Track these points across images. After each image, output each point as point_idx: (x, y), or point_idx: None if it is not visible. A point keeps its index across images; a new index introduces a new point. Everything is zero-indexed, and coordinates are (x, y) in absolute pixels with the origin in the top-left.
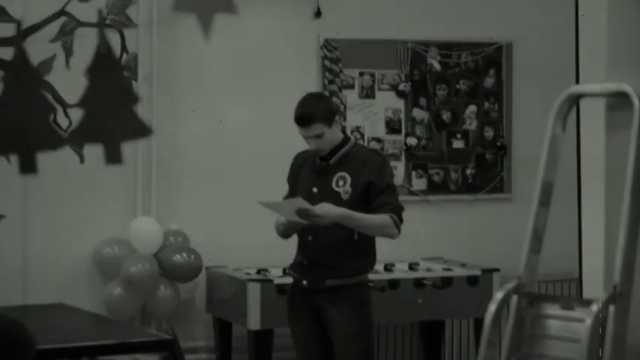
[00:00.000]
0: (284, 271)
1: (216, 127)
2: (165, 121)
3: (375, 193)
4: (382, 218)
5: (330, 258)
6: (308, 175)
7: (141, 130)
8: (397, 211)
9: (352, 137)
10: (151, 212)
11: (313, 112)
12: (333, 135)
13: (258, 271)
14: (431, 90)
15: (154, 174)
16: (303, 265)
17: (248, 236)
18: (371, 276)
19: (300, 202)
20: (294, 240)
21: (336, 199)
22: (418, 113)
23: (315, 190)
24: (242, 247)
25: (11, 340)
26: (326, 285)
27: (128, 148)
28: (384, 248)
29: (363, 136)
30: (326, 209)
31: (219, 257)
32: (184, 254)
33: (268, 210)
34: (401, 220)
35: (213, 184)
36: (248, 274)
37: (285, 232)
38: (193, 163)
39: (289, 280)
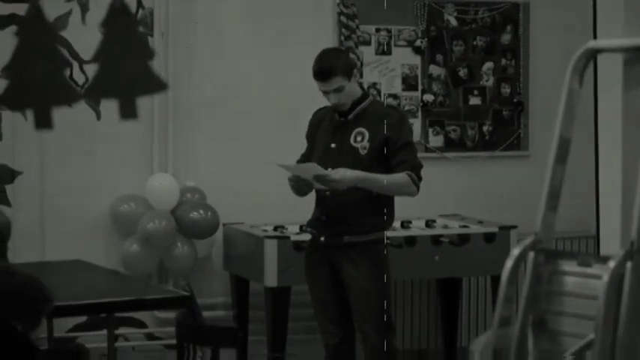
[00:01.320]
0: (301, 227)
1: (231, 83)
2: (181, 78)
3: (394, 150)
4: (401, 178)
5: (347, 214)
6: (326, 130)
7: (156, 86)
8: (416, 168)
9: (371, 94)
10: (168, 169)
11: (332, 65)
12: (352, 89)
13: (275, 228)
14: (447, 46)
15: (170, 130)
16: (321, 220)
17: (265, 193)
18: (388, 233)
19: (315, 168)
20: (311, 197)
21: (354, 155)
22: (435, 70)
23: (333, 145)
24: (259, 204)
25: (28, 297)
26: (343, 241)
27: (144, 104)
28: (401, 205)
29: (379, 92)
30: (342, 173)
31: (236, 214)
32: (201, 211)
33: (283, 169)
34: (419, 178)
35: (230, 140)
36: (265, 230)
37: (297, 190)
38: (210, 120)
39: (306, 236)
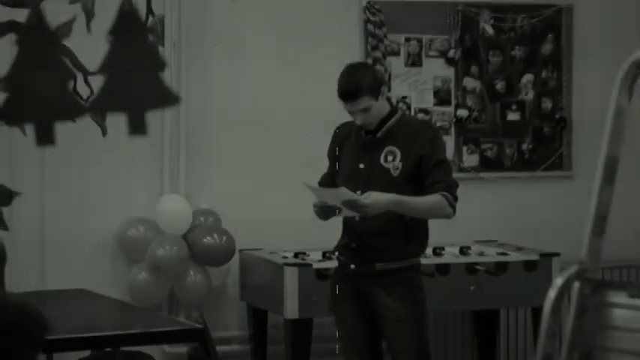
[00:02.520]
0: (324, 254)
1: (250, 97)
2: (194, 90)
3: (427, 169)
4: (436, 199)
5: (379, 240)
6: (353, 149)
7: (168, 99)
8: (451, 189)
9: (400, 108)
10: (180, 189)
11: (358, 84)
12: (380, 107)
13: (296, 255)
14: (483, 57)
15: (182, 147)
16: (351, 247)
17: (285, 216)
18: (422, 260)
19: (345, 193)
20: (335, 221)
21: (386, 176)
22: (469, 82)
23: (361, 166)
24: (278, 228)
25: (25, 326)
26: (375, 269)
27: (154, 119)
28: (433, 230)
29: (409, 107)
30: (374, 198)
31: (253, 239)
32: (216, 236)
33: (308, 190)
34: (456, 199)
35: (247, 159)
36: (285, 257)
37: (322, 216)
38: (225, 136)
39: (330, 264)
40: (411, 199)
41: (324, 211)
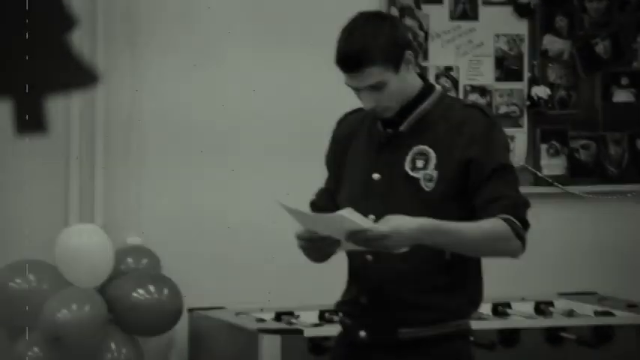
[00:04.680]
0: (321, 315)
1: (205, 81)
2: (121, 68)
3: (479, 180)
4: (494, 227)
5: (404, 292)
6: (364, 151)
7: (79, 78)
8: (519, 210)
9: (437, 86)
10: (95, 217)
11: (366, 45)
12: (403, 84)
13: (278, 316)
14: (576, 2)
15: (99, 154)
16: (360, 304)
17: (259, 256)
18: (472, 324)
19: (347, 218)
20: (338, 263)
21: (414, 191)
22: (553, 43)
23: (376, 176)
24: (250, 275)
25: None
26: (398, 337)
27: (56, 110)
28: (492, 275)
29: (455, 83)
30: (395, 225)
31: (210, 292)
32: (151, 287)
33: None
34: (526, 226)
35: (198, 174)
36: (261, 320)
37: (312, 254)
38: (165, 138)
39: (330, 330)
40: (455, 225)
41: (315, 248)
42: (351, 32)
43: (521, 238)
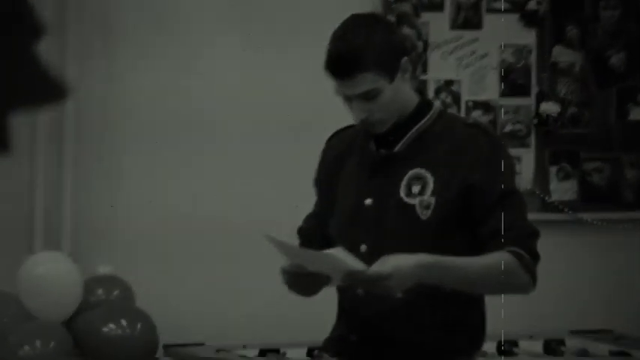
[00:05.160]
0: (310, 353)
1: (186, 90)
2: (95, 78)
3: (483, 209)
4: (500, 260)
5: (398, 329)
6: (355, 173)
7: (46, 90)
8: (528, 240)
9: (436, 103)
10: (61, 244)
11: (360, 50)
12: (397, 95)
13: (263, 353)
14: (588, 10)
15: (67, 174)
16: (350, 341)
17: (242, 286)
18: None
19: (340, 261)
20: (328, 297)
21: (409, 219)
22: (563, 55)
23: (368, 202)
24: (232, 309)
25: None
26: None
27: (19, 127)
28: (495, 311)
29: (457, 99)
30: (396, 264)
31: (188, 326)
32: (123, 321)
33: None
34: (536, 259)
35: (175, 191)
36: (244, 357)
37: (297, 288)
38: (141, 154)
39: None
40: (457, 260)
41: (302, 284)
42: (343, 35)
43: (531, 273)
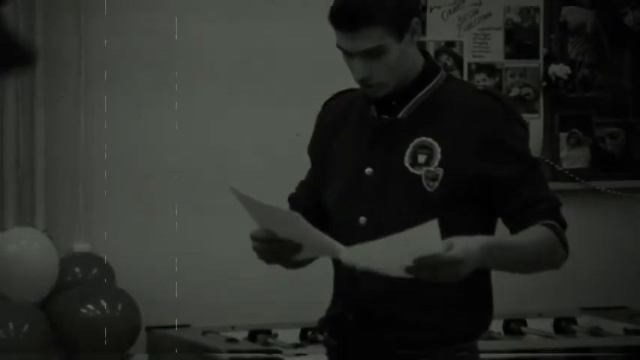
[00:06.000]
0: (303, 333)
1: (167, 32)
2: (68, 40)
3: (505, 184)
4: (543, 237)
5: (399, 309)
6: (354, 140)
7: (13, 54)
8: (557, 212)
9: (442, 66)
10: (35, 220)
11: (369, 2)
12: (403, 57)
13: (253, 335)
14: None
15: (38, 143)
16: (347, 322)
17: (229, 262)
18: (483, 344)
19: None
20: (327, 267)
21: (413, 191)
22: (573, 14)
23: (368, 171)
24: (219, 286)
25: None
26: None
27: None
28: (505, 288)
29: (459, 61)
30: (465, 247)
31: (172, 308)
32: (103, 302)
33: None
34: (565, 228)
35: (156, 164)
36: (232, 340)
37: (272, 257)
38: (117, 126)
39: (314, 351)
40: (514, 241)
41: (271, 251)
42: None
43: (565, 246)
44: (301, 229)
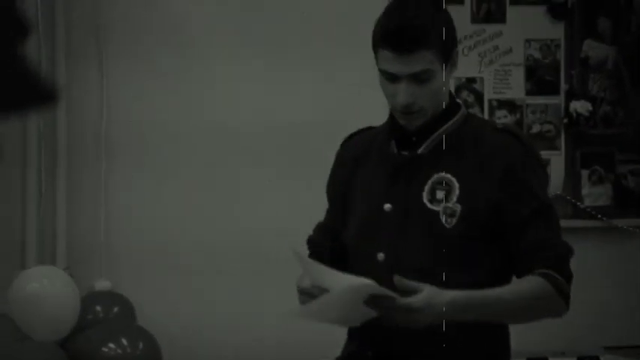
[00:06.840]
0: None
1: (185, 98)
2: (89, 82)
3: (516, 224)
4: (535, 287)
5: (418, 343)
6: (374, 176)
7: (37, 95)
8: (562, 260)
9: (462, 105)
10: (56, 258)
11: (427, 24)
12: (444, 85)
13: None
14: (621, 1)
15: (61, 184)
16: (366, 358)
17: (252, 303)
18: None
19: (375, 287)
20: None
21: (431, 226)
22: (594, 49)
23: (387, 207)
24: (240, 326)
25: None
26: None
27: (11, 134)
28: (527, 326)
29: (479, 98)
30: (428, 298)
31: (193, 346)
32: (124, 340)
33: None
34: (569, 280)
35: (175, 202)
36: None
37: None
38: (137, 165)
39: None
40: (494, 295)
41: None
42: (406, 6)
43: (566, 297)
44: (358, 288)
